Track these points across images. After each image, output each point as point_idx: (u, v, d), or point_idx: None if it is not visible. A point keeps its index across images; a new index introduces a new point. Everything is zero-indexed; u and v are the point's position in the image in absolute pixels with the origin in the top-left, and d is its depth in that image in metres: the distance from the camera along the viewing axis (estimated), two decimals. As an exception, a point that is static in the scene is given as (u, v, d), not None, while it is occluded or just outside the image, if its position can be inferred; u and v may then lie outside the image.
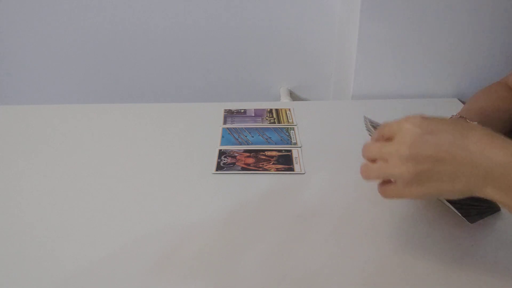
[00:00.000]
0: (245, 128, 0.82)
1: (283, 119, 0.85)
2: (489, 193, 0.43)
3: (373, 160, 0.47)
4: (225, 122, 0.84)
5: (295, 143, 0.76)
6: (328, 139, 0.78)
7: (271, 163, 0.70)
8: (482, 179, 0.42)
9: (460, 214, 0.51)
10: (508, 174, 0.41)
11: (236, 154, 0.73)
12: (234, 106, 0.90)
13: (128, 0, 1.12)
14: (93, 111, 0.90)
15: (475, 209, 0.54)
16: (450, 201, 0.51)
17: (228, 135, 0.79)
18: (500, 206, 0.44)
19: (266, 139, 0.78)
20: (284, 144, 0.76)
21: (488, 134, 0.44)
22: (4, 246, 0.55)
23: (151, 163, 0.72)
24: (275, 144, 0.76)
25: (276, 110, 0.89)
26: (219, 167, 0.69)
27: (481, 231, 0.55)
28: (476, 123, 0.67)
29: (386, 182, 0.47)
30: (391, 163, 0.45)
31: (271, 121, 0.84)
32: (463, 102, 0.90)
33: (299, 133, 0.79)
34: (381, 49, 0.90)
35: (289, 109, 0.89)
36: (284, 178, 0.67)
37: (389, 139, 0.46)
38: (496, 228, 0.55)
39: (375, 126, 0.61)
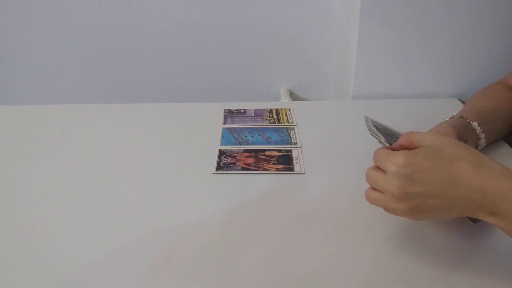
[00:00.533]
0: (245, 128, 0.82)
1: (283, 119, 0.85)
2: (483, 218, 0.45)
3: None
4: (225, 122, 0.84)
5: (295, 143, 0.76)
6: (328, 139, 0.78)
7: (271, 163, 0.70)
8: (474, 208, 0.45)
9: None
10: (498, 201, 0.43)
11: (236, 154, 0.73)
12: (234, 106, 0.90)
13: (128, 0, 1.12)
14: (93, 111, 0.90)
15: None
16: None
17: (228, 135, 0.79)
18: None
19: (266, 139, 0.78)
20: (284, 144, 0.76)
21: (473, 162, 0.45)
22: (4, 246, 0.55)
23: (151, 163, 0.72)
24: (275, 144, 0.76)
25: (276, 110, 0.89)
26: (219, 167, 0.69)
27: (481, 231, 0.55)
28: (476, 122, 0.67)
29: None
30: (387, 197, 0.48)
31: (271, 121, 0.84)
32: (463, 102, 0.90)
33: (299, 133, 0.79)
34: (381, 49, 0.90)
35: (289, 109, 0.89)
36: (284, 178, 0.67)
37: (384, 171, 0.48)
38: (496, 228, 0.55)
39: (377, 125, 0.61)
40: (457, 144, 0.47)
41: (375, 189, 0.50)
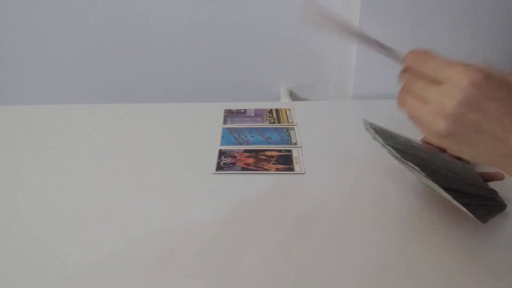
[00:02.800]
0: (245, 128, 0.82)
1: (283, 119, 0.85)
2: None
3: (410, 91, 0.43)
4: (225, 122, 0.84)
5: (295, 143, 0.76)
6: (328, 139, 0.78)
7: (271, 163, 0.70)
8: None
9: (473, 215, 0.51)
10: None
11: (236, 154, 0.73)
12: (234, 106, 0.90)
13: (128, 0, 1.12)
14: (93, 111, 0.90)
15: (485, 209, 0.54)
16: (461, 203, 0.51)
17: (228, 135, 0.79)
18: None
19: (266, 139, 0.78)
20: (284, 144, 0.76)
21: None
22: (4, 246, 0.55)
23: (151, 163, 0.72)
24: (275, 144, 0.76)
25: (276, 110, 0.89)
26: (219, 167, 0.69)
27: (486, 230, 0.55)
28: None
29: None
30: (429, 109, 0.40)
31: (271, 121, 0.84)
32: (463, 102, 0.90)
33: (299, 133, 0.79)
34: (381, 49, 0.90)
35: (289, 109, 0.89)
36: (284, 178, 0.67)
37: (437, 81, 0.41)
38: (503, 226, 0.55)
39: (375, 128, 0.61)
40: None
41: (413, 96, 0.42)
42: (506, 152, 0.39)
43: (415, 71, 0.43)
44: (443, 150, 0.64)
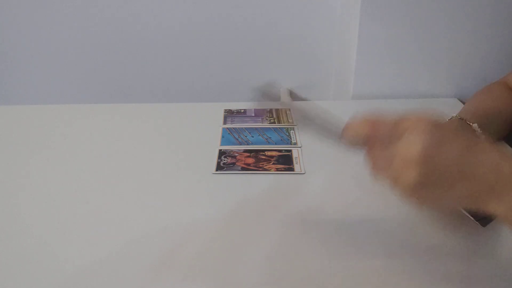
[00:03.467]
0: (245, 128, 0.82)
1: (283, 119, 0.85)
2: (493, 207, 0.41)
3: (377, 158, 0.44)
4: (225, 122, 0.84)
5: (295, 143, 0.76)
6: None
7: (271, 163, 0.70)
8: (487, 193, 0.40)
9: (473, 219, 0.51)
10: None
11: (236, 154, 0.73)
12: (234, 106, 0.90)
13: (128, 0, 1.12)
14: (93, 111, 0.90)
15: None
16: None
17: (228, 135, 0.79)
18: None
19: (266, 139, 0.78)
20: (284, 144, 0.76)
21: (495, 145, 0.42)
22: (4, 246, 0.55)
23: (151, 163, 0.72)
24: (275, 144, 0.76)
25: (276, 110, 0.89)
26: (219, 167, 0.69)
27: (485, 232, 0.55)
28: (475, 124, 0.67)
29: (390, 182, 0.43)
30: (398, 164, 0.41)
31: (271, 121, 0.84)
32: (463, 102, 0.90)
33: (299, 133, 0.79)
34: (381, 49, 0.90)
35: (289, 109, 0.89)
36: (284, 178, 0.67)
37: (395, 138, 0.42)
38: (502, 228, 0.55)
39: None
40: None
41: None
42: (478, 187, 0.40)
43: (373, 139, 0.44)
44: None
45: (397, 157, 0.41)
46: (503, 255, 0.52)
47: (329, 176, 0.67)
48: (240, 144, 0.76)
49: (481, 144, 0.41)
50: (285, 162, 0.71)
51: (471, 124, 0.67)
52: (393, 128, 0.42)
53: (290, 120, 0.84)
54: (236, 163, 0.70)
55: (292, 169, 0.69)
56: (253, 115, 0.87)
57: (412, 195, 0.41)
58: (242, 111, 0.88)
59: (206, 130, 0.81)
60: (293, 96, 1.24)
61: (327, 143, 0.49)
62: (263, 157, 0.72)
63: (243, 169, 0.69)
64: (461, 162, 0.40)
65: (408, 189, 0.41)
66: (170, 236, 0.55)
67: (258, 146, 0.75)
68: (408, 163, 0.40)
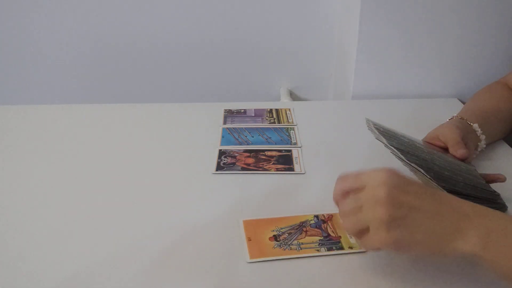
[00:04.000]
0: (245, 128, 0.82)
1: (283, 119, 0.85)
2: (459, 245, 0.42)
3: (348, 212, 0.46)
4: (225, 122, 0.84)
5: (295, 143, 0.76)
6: (328, 139, 0.78)
7: (271, 163, 0.70)
8: (454, 232, 0.42)
9: None
10: (480, 225, 0.42)
11: (236, 154, 0.73)
12: (234, 106, 0.90)
13: (128, 0, 1.12)
14: (93, 111, 0.90)
15: None
16: None
17: (228, 135, 0.79)
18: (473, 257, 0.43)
19: (266, 139, 0.78)
20: (284, 144, 0.76)
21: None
22: (3, 246, 0.55)
23: (151, 163, 0.72)
24: (275, 144, 0.76)
25: (276, 110, 0.88)
26: (219, 167, 0.69)
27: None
28: (476, 124, 0.67)
29: (362, 233, 0.45)
30: (365, 208, 0.44)
31: (271, 121, 0.84)
32: (463, 102, 0.90)
33: (299, 133, 0.79)
34: (381, 49, 0.90)
35: (289, 109, 0.89)
36: (284, 178, 0.67)
37: (360, 189, 0.45)
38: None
39: (378, 128, 0.61)
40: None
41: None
42: (443, 224, 0.43)
43: (342, 193, 0.47)
44: (446, 150, 0.64)
45: (365, 204, 0.44)
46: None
47: (329, 176, 0.67)
48: (240, 144, 0.76)
49: (441, 192, 0.46)
50: (285, 162, 0.71)
51: (471, 124, 0.67)
52: (358, 180, 0.46)
53: (290, 120, 0.84)
54: (236, 163, 0.70)
55: (292, 169, 0.69)
56: (253, 115, 0.87)
57: (385, 235, 0.43)
58: (242, 111, 0.88)
59: (206, 130, 0.81)
60: (293, 96, 1.24)
61: None
62: (263, 157, 0.72)
63: (243, 169, 0.69)
64: (425, 201, 0.43)
65: (381, 227, 0.43)
66: (170, 236, 0.55)
67: (258, 146, 0.75)
68: (376, 204, 0.43)
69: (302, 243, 0.53)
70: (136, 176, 0.68)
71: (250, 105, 0.91)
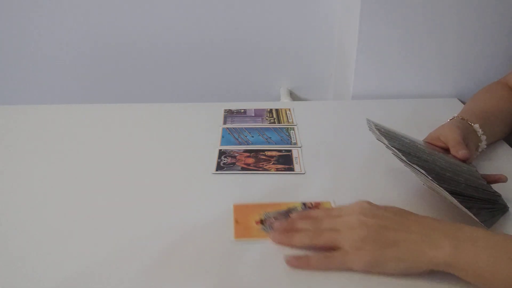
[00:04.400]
0: (245, 128, 0.82)
1: (283, 119, 0.85)
2: (432, 255, 0.45)
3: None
4: (225, 122, 0.84)
5: (295, 143, 0.76)
6: (328, 139, 0.78)
7: (271, 163, 0.70)
8: (425, 243, 0.45)
9: (478, 220, 0.51)
10: (450, 235, 0.45)
11: (236, 154, 0.73)
12: (234, 106, 0.90)
13: (128, 0, 1.12)
14: (93, 111, 0.90)
15: (488, 212, 0.54)
16: (466, 207, 0.51)
17: (228, 135, 0.79)
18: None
19: (266, 139, 0.78)
20: (284, 144, 0.76)
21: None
22: (3, 246, 0.55)
23: (151, 163, 0.72)
24: (275, 144, 0.76)
25: (276, 110, 0.89)
26: (219, 167, 0.69)
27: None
28: (477, 124, 0.67)
29: (331, 251, 0.50)
30: (340, 231, 0.49)
31: (271, 121, 0.84)
32: (463, 102, 0.90)
33: (299, 133, 0.79)
34: (381, 49, 0.90)
35: (289, 109, 0.89)
36: (284, 178, 0.67)
37: (338, 216, 0.52)
38: (505, 228, 0.55)
39: (379, 129, 0.61)
40: None
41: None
42: (415, 236, 0.46)
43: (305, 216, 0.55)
44: (447, 151, 0.64)
45: (342, 228, 0.50)
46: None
47: (329, 176, 0.67)
48: (240, 144, 0.76)
49: (413, 213, 0.50)
50: (285, 162, 0.71)
51: (472, 124, 0.67)
52: (337, 211, 0.53)
53: (290, 120, 0.84)
54: (236, 163, 0.70)
55: (292, 169, 0.69)
56: (253, 115, 0.87)
57: (357, 254, 0.48)
58: (242, 111, 0.88)
59: (206, 130, 0.81)
60: (293, 96, 1.24)
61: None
62: (263, 157, 0.72)
63: (243, 169, 0.69)
64: (393, 221, 0.48)
65: (354, 247, 0.48)
66: (170, 236, 0.55)
67: (258, 146, 0.75)
68: (351, 229, 0.49)
69: None
70: (136, 176, 0.68)
71: (250, 105, 0.91)
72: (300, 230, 0.52)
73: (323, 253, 0.50)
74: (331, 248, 0.49)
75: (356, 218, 0.49)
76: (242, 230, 0.55)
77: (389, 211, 0.50)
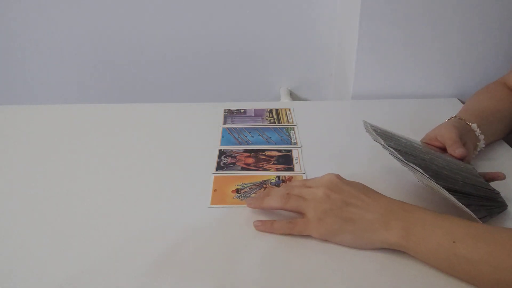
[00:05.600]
0: (245, 128, 0.82)
1: (283, 119, 0.85)
2: (385, 236, 0.49)
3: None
4: (225, 122, 0.84)
5: (295, 143, 0.76)
6: (328, 139, 0.78)
7: (271, 163, 0.70)
8: (380, 224, 0.50)
9: (475, 216, 0.51)
10: (403, 219, 0.49)
11: (236, 154, 0.73)
12: (234, 106, 0.90)
13: (128, 0, 1.12)
14: (93, 111, 0.90)
15: (486, 210, 0.54)
16: (463, 204, 0.51)
17: (228, 135, 0.79)
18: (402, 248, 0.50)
19: (266, 139, 0.78)
20: (284, 144, 0.76)
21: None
22: (3, 246, 0.55)
23: (151, 163, 0.72)
24: (275, 144, 0.76)
25: (276, 110, 0.89)
26: (219, 167, 0.69)
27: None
28: (475, 124, 0.67)
29: (296, 219, 0.54)
30: (307, 200, 0.53)
31: (271, 121, 0.84)
32: (463, 102, 0.90)
33: (299, 133, 0.79)
34: (381, 49, 0.90)
35: (289, 109, 0.89)
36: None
37: (308, 186, 0.55)
38: (504, 226, 0.55)
39: (376, 130, 0.61)
40: None
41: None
42: (373, 216, 0.50)
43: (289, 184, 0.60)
44: (444, 151, 0.64)
45: (309, 197, 0.53)
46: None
47: (329, 176, 0.67)
48: (240, 144, 0.76)
49: (375, 191, 0.54)
50: (285, 162, 0.71)
51: (470, 124, 0.67)
52: (309, 182, 0.57)
53: (290, 120, 0.84)
54: (236, 163, 0.70)
55: (292, 169, 0.69)
56: (253, 115, 0.87)
57: (319, 223, 0.52)
58: (242, 111, 0.88)
59: (206, 130, 0.81)
60: (293, 96, 1.24)
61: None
62: (263, 157, 0.72)
63: (243, 169, 0.69)
64: (357, 199, 0.52)
65: (316, 216, 0.52)
66: (169, 236, 0.55)
67: (258, 146, 0.75)
68: (315, 200, 0.53)
69: None
70: (136, 176, 0.68)
71: (250, 105, 0.91)
72: (271, 195, 0.57)
73: (287, 219, 0.55)
74: (298, 213, 0.54)
75: (323, 191, 0.53)
76: (218, 198, 0.62)
77: (354, 187, 0.53)
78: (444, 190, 0.51)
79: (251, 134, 0.79)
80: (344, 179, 0.55)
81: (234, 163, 0.70)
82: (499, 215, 0.57)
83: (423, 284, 0.48)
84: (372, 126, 0.62)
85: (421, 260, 0.49)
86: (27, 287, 0.49)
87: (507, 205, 0.58)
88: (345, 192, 0.53)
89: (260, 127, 0.82)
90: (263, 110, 0.89)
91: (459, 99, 0.93)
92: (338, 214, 0.51)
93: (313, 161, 0.71)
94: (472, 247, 0.45)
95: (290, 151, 0.74)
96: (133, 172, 0.69)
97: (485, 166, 0.67)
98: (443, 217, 0.48)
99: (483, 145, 0.68)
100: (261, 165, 0.70)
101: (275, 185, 0.64)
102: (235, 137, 0.78)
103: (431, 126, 0.69)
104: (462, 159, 0.61)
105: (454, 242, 0.45)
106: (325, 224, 0.52)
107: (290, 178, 0.66)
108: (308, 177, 0.67)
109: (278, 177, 0.66)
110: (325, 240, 0.53)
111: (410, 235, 0.48)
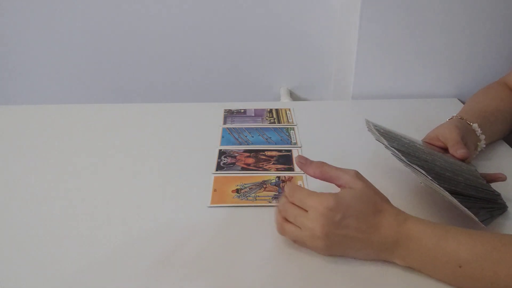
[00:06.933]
0: (245, 128, 0.82)
1: (283, 119, 0.85)
2: (384, 260, 0.49)
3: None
4: (225, 122, 0.84)
5: (295, 143, 0.76)
6: (328, 139, 0.78)
7: (271, 163, 0.70)
8: (388, 251, 0.49)
9: (476, 219, 0.51)
10: (407, 243, 0.48)
11: (236, 154, 0.73)
12: (234, 106, 0.90)
13: (128, 0, 1.12)
14: (93, 111, 0.90)
15: (488, 211, 0.54)
16: (465, 206, 0.51)
17: (228, 135, 0.79)
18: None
19: (266, 139, 0.78)
20: (284, 144, 0.76)
21: (394, 214, 0.50)
22: (3, 246, 0.55)
23: (151, 163, 0.72)
24: (275, 144, 0.76)
25: (276, 110, 0.89)
26: (219, 167, 0.69)
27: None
28: (476, 124, 0.67)
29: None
30: (305, 233, 0.50)
31: (271, 121, 0.84)
32: (463, 102, 0.90)
33: (299, 133, 0.79)
34: (381, 49, 0.90)
35: (289, 109, 0.89)
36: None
37: (304, 209, 0.50)
38: (504, 227, 0.55)
39: (378, 129, 0.61)
40: (380, 194, 0.52)
41: (289, 222, 0.51)
42: (373, 251, 0.49)
43: (288, 200, 0.52)
44: (446, 151, 0.64)
45: (305, 230, 0.50)
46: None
47: (329, 176, 0.67)
48: (240, 144, 0.76)
49: (384, 208, 0.50)
50: (285, 162, 0.71)
51: (471, 124, 0.67)
52: (304, 201, 0.50)
53: (290, 120, 0.84)
54: (236, 163, 0.70)
55: (292, 169, 0.69)
56: (253, 115, 0.87)
57: (323, 253, 0.51)
58: (242, 111, 0.88)
59: (206, 130, 0.81)
60: (293, 96, 1.24)
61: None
62: (263, 157, 0.72)
63: (243, 169, 0.69)
64: (358, 232, 0.48)
65: (318, 250, 0.51)
66: (170, 236, 0.55)
67: (258, 146, 0.75)
68: (314, 236, 0.49)
69: (259, 196, 0.62)
70: (136, 176, 0.68)
71: (250, 105, 0.91)
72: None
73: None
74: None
75: (320, 225, 0.48)
76: (218, 198, 0.62)
77: (353, 217, 0.48)
78: (447, 193, 0.51)
79: (251, 134, 0.79)
80: (342, 203, 0.49)
81: (234, 163, 0.70)
82: (499, 216, 0.57)
83: (424, 285, 0.48)
84: (374, 125, 0.62)
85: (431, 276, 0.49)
86: (27, 287, 0.49)
87: (507, 207, 0.58)
88: (343, 226, 0.48)
89: (260, 127, 0.82)
90: (263, 110, 0.89)
91: (459, 99, 0.93)
92: (335, 248, 0.50)
93: (313, 161, 0.71)
94: (479, 270, 0.44)
95: (290, 151, 0.74)
96: (133, 172, 0.69)
97: (485, 166, 0.67)
98: (447, 237, 0.47)
99: (484, 145, 0.68)
100: (261, 165, 0.70)
101: (275, 185, 0.64)
102: (235, 137, 0.78)
103: (431, 126, 0.69)
104: (463, 159, 0.61)
105: (460, 266, 0.45)
106: (326, 252, 0.51)
107: (290, 178, 0.66)
108: (308, 177, 0.67)
109: (278, 177, 0.66)
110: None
111: (413, 264, 0.48)
